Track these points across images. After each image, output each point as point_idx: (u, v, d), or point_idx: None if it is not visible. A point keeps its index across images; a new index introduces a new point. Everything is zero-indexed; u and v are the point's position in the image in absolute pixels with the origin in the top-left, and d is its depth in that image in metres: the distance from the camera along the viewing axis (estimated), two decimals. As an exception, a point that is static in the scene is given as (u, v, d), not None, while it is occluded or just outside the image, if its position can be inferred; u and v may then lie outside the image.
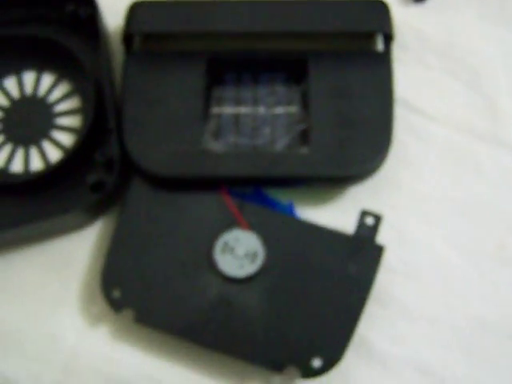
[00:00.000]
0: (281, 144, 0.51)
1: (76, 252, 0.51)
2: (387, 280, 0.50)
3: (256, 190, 0.50)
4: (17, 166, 0.53)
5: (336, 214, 0.51)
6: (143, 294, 0.48)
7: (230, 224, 0.49)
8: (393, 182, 0.52)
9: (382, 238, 0.49)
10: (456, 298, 0.50)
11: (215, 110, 0.52)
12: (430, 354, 0.49)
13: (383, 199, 0.51)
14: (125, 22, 0.52)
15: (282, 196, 0.51)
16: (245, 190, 0.50)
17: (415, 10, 0.56)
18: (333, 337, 0.47)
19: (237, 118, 0.52)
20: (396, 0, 0.56)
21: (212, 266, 0.48)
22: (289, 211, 0.50)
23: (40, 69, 0.55)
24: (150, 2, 0.52)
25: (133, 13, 0.52)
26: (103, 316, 0.50)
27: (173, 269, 0.48)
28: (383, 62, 0.52)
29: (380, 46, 0.53)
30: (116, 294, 0.48)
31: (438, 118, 0.54)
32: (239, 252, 0.48)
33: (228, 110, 0.52)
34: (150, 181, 0.50)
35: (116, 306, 0.48)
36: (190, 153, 0.49)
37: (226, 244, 0.48)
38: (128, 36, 0.52)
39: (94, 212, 0.51)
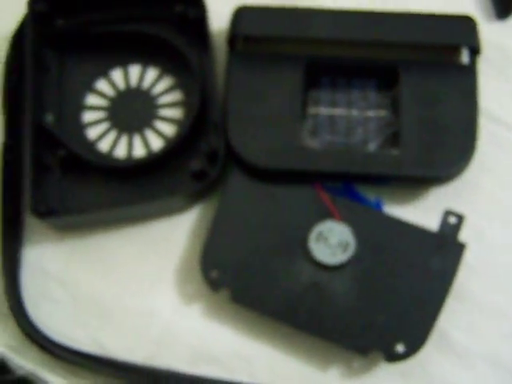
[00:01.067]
0: (373, 145, 0.54)
1: (174, 234, 0.55)
2: (466, 277, 0.53)
3: (346, 186, 0.54)
4: (121, 152, 0.57)
5: (419, 213, 0.54)
6: (239, 275, 0.52)
7: (323, 215, 0.52)
8: (474, 186, 0.55)
9: (461, 237, 0.52)
10: (530, 297, 0.54)
11: (312, 110, 0.56)
12: (506, 348, 0.52)
13: (464, 201, 0.55)
14: (230, 24, 0.56)
15: (369, 193, 0.55)
16: (336, 185, 0.54)
17: (498, 25, 0.60)
18: (415, 325, 0.50)
19: (332, 118, 0.55)
20: (480, 16, 0.59)
21: (306, 253, 0.52)
22: (376, 207, 0.54)
23: (145, 63, 0.58)
24: (254, 7, 0.56)
25: (238, 16, 0.56)
26: (197, 295, 0.54)
27: (268, 254, 0.52)
28: (469, 74, 0.55)
29: (465, 58, 0.56)
30: (214, 274, 0.52)
31: (517, 127, 0.58)
32: (332, 241, 0.52)
33: (324, 110, 0.56)
34: (249, 172, 0.53)
35: (214, 285, 0.52)
36: (288, 148, 0.53)
37: (320, 233, 0.52)
38: (233, 37, 0.56)
39: (193, 198, 0.55)
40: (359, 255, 0.52)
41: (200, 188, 0.53)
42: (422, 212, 0.54)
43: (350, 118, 0.55)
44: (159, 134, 0.57)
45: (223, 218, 0.53)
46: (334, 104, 0.56)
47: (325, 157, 0.53)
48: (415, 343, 0.50)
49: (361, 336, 0.50)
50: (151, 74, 0.58)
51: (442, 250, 0.52)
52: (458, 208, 0.53)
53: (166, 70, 0.58)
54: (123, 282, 0.54)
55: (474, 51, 0.56)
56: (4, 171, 0.56)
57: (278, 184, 0.53)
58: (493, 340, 0.52)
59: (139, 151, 0.57)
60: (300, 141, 0.53)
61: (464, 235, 0.52)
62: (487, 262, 0.54)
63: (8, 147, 0.56)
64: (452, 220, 0.53)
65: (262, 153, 0.53)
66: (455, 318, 0.53)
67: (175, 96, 0.58)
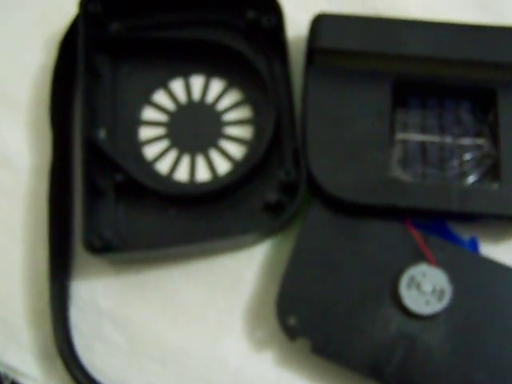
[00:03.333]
0: (471, 178, 0.48)
1: (243, 271, 0.49)
2: None
3: (438, 223, 0.48)
4: (182, 175, 0.50)
5: (513, 254, 0.49)
6: (320, 323, 0.45)
7: (414, 257, 0.46)
8: None
9: None
10: None
11: (400, 135, 0.49)
12: None
13: None
14: (309, 36, 0.49)
15: (460, 229, 0.48)
16: (427, 222, 0.48)
17: None
18: (517, 385, 0.45)
19: (423, 146, 0.49)
20: None
21: (395, 299, 0.45)
22: (471, 247, 0.48)
23: (209, 74, 0.51)
24: (336, 15, 0.49)
25: (317, 26, 0.49)
26: (270, 341, 0.47)
27: (352, 299, 0.46)
28: None
29: None
30: (292, 321, 0.45)
31: None
32: (426, 288, 0.45)
33: (414, 136, 0.49)
34: (331, 205, 0.47)
35: (292, 333, 0.45)
36: (376, 179, 0.46)
37: (412, 279, 0.45)
38: (311, 50, 0.49)
39: (266, 233, 0.48)
40: (455, 303, 0.45)
41: (276, 224, 0.47)
42: (516, 253, 0.49)
43: (443, 146, 0.49)
44: (225, 155, 0.50)
45: (301, 257, 0.46)
46: (424, 129, 0.49)
47: (418, 192, 0.46)
48: (518, 405, 0.45)
49: (456, 395, 0.45)
50: (216, 86, 0.51)
51: (546, 298, 0.46)
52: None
53: (232, 82, 0.51)
54: (186, 324, 0.48)
55: None
56: (51, 194, 0.49)
57: (363, 219, 0.47)
58: None
59: (203, 175, 0.50)
60: (389, 172, 0.47)
61: None
62: None
63: (55, 167, 0.49)
64: (556, 264, 0.47)
65: (347, 184, 0.46)
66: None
67: (243, 112, 0.51)
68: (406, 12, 0.53)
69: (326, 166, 0.47)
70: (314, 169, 0.47)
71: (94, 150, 0.48)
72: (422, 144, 0.49)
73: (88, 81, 0.49)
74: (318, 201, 0.47)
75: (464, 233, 0.48)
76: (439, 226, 0.48)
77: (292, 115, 0.48)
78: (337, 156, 0.47)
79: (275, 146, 0.48)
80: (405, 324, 0.45)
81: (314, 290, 0.46)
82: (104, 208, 0.48)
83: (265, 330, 0.47)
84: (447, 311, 0.45)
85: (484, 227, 0.49)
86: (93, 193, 0.47)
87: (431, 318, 0.45)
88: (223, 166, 0.50)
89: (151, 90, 0.51)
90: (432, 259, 0.46)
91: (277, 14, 0.49)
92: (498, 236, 0.49)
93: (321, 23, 0.49)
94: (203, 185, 0.49)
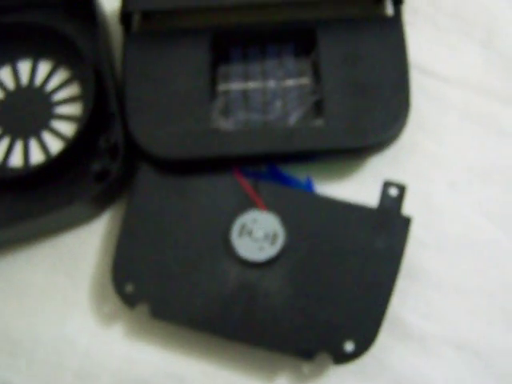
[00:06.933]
0: (294, 118, 0.44)
1: (84, 247, 0.45)
2: (416, 252, 0.43)
3: (271, 168, 0.44)
4: (16, 160, 0.46)
5: (357, 187, 0.45)
6: (158, 286, 0.42)
7: (246, 206, 0.42)
8: (413, 149, 0.46)
9: (407, 208, 0.42)
10: (489, 266, 0.43)
11: (222, 86, 0.45)
12: (468, 327, 0.42)
13: (405, 168, 0.45)
14: (121, 1, 0.46)
15: (298, 172, 0.45)
16: (259, 169, 0.44)
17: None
18: (364, 317, 0.40)
19: (246, 93, 0.45)
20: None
21: (230, 251, 0.42)
22: (307, 188, 0.44)
23: (36, 57, 0.48)
24: (146, -22, 0.46)
25: (129, -10, 0.46)
26: (116, 314, 0.43)
27: (188, 257, 0.42)
28: (394, 26, 0.45)
29: (390, 10, 0.46)
30: (129, 288, 0.42)
31: (453, 79, 0.47)
32: (258, 234, 0.41)
33: (236, 86, 0.45)
34: (157, 166, 0.43)
35: (130, 301, 0.41)
36: (198, 133, 0.43)
37: (243, 227, 0.42)
38: (126, 15, 0.45)
39: (100, 203, 0.45)
40: (291, 246, 0.41)
41: (103, 189, 0.43)
42: (359, 186, 0.45)
43: (266, 91, 0.45)
44: (58, 135, 0.46)
45: (133, 222, 0.43)
46: (247, 77, 0.46)
47: (240, 138, 0.43)
48: (366, 338, 0.40)
49: (303, 338, 0.40)
50: (43, 68, 0.48)
51: (385, 226, 0.42)
52: (400, 176, 0.44)
53: (59, 62, 0.48)
54: (33, 309, 0.44)
55: (398, 0, 0.46)
56: None
57: (191, 176, 0.43)
58: (453, 320, 0.43)
59: (38, 157, 0.46)
60: (210, 123, 0.43)
61: (409, 204, 0.43)
62: (437, 232, 0.44)
63: None
64: (393, 192, 0.42)
65: (169, 142, 0.43)
66: (410, 300, 0.43)
67: (72, 90, 0.47)
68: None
69: (146, 126, 0.43)
70: (133, 131, 0.43)
71: None
72: (244, 92, 0.45)
73: None
74: (145, 164, 0.43)
75: (303, 174, 0.44)
76: (272, 172, 0.44)
77: (114, 85, 0.44)
78: (157, 116, 0.43)
79: (101, 118, 0.45)
80: (243, 274, 0.41)
81: (150, 255, 0.42)
82: None
83: (111, 304, 0.43)
84: (283, 254, 0.41)
85: (321, 165, 0.45)
86: None
87: (267, 263, 0.41)
88: (57, 146, 0.46)
89: (-21, 81, 0.48)
90: (261, 205, 0.42)
91: (86, -15, 0.46)
92: (336, 173, 0.45)
93: (132, -13, 0.46)
94: (33, 167, 0.45)
